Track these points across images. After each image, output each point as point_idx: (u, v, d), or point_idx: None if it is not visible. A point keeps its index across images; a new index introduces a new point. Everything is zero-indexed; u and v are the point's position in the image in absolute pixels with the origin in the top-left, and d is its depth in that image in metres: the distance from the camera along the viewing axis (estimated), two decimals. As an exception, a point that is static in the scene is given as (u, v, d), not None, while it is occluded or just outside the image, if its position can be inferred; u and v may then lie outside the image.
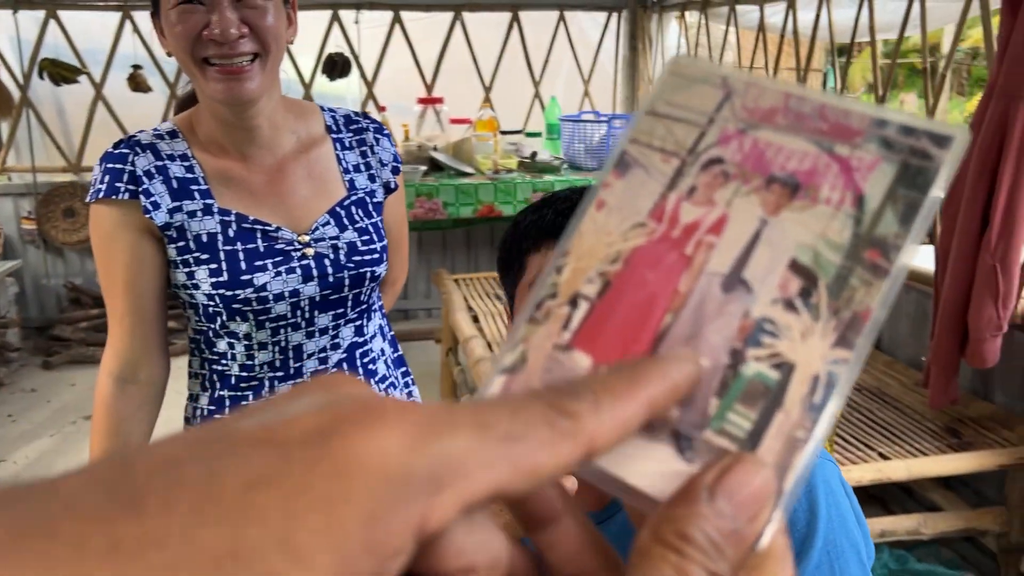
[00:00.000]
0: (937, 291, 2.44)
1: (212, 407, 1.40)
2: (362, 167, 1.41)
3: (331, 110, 1.45)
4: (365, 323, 1.42)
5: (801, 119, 0.30)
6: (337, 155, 1.40)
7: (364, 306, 1.40)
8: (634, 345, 0.28)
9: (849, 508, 0.80)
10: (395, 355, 1.55)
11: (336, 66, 4.74)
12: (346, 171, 1.39)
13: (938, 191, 0.27)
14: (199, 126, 1.34)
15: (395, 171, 1.46)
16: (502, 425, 0.23)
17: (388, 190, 1.43)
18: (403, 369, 1.57)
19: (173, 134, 1.33)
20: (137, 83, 4.69)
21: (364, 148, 1.42)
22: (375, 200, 1.41)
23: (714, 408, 0.27)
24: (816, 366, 0.26)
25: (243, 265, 1.28)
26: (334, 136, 1.41)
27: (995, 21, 2.46)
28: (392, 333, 1.57)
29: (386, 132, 1.48)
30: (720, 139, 0.31)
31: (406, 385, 1.58)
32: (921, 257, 3.02)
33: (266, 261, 1.29)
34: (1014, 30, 2.16)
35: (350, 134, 1.42)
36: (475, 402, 0.24)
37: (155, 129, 1.35)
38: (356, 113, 1.48)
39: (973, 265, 2.24)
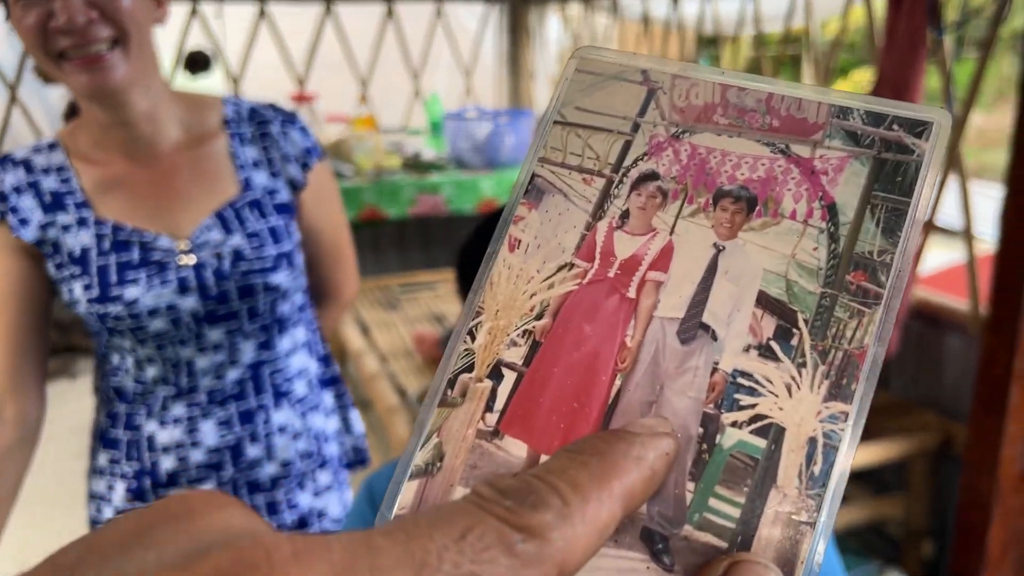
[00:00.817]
0: None
1: (109, 420, 1.31)
2: (263, 163, 1.31)
3: (236, 102, 1.35)
4: (275, 338, 1.33)
5: (745, 115, 0.25)
6: (232, 150, 1.30)
7: (269, 320, 1.31)
8: (580, 422, 0.23)
9: (836, 558, 0.77)
10: (326, 374, 1.46)
11: (198, 63, 4.50)
12: (241, 167, 1.29)
13: (926, 190, 0.22)
14: (81, 133, 1.24)
15: (306, 166, 1.36)
16: (447, 559, 0.16)
17: (295, 187, 1.34)
18: (335, 389, 1.48)
19: (53, 146, 1.23)
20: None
21: (267, 143, 1.33)
22: (277, 201, 1.31)
23: (691, 495, 0.21)
24: (810, 426, 0.21)
25: (114, 279, 1.19)
26: (232, 130, 1.31)
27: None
28: (327, 351, 1.47)
29: (299, 123, 1.38)
30: (651, 149, 0.25)
31: (340, 408, 1.49)
32: None
33: (140, 273, 1.20)
34: (898, 23, 2.23)
35: (252, 127, 1.33)
36: (403, 525, 0.18)
37: (36, 143, 1.25)
38: (266, 105, 1.38)
39: None
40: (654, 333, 0.23)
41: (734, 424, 0.22)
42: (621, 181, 0.25)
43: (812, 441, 0.21)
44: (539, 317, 0.24)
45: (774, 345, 0.22)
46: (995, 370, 1.82)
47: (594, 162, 0.25)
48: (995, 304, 1.82)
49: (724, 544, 0.21)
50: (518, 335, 0.24)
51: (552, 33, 5.17)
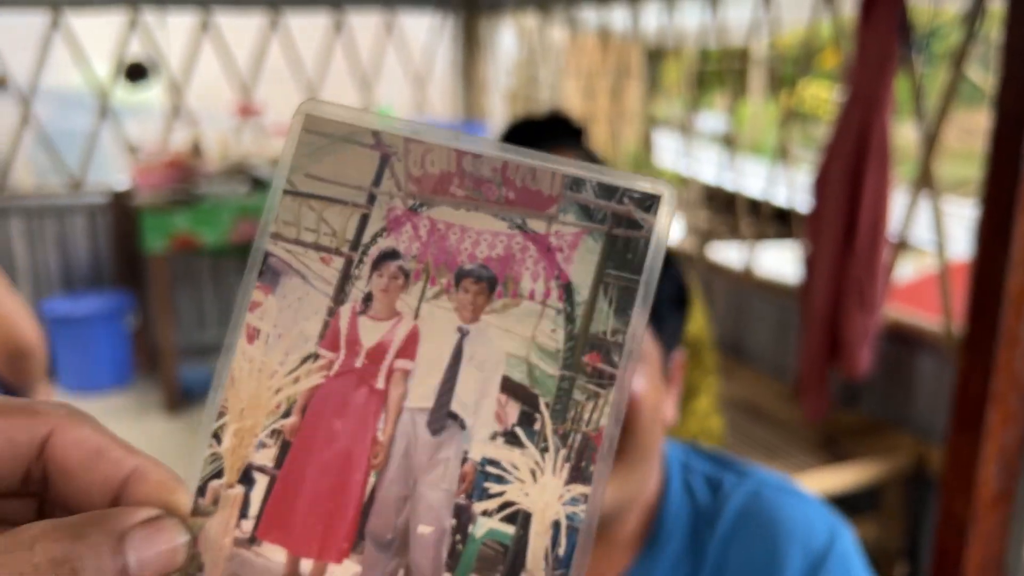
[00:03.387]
0: (805, 302, 2.46)
1: None
2: None
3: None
4: None
5: (482, 186, 0.25)
6: None
7: None
8: (337, 522, 0.23)
9: None
10: None
11: (137, 72, 3.93)
12: None
13: (650, 270, 0.24)
14: None
15: None
16: None
17: None
18: None
19: None
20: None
21: None
22: None
23: (448, 586, 0.23)
24: (554, 510, 0.23)
25: None
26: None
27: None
28: None
29: None
30: (389, 223, 0.25)
31: None
32: (781, 266, 3.04)
33: None
34: (868, 37, 2.16)
35: None
36: None
37: None
38: None
39: (839, 274, 2.29)
40: (405, 426, 0.24)
41: (485, 513, 0.23)
42: (361, 260, 0.25)
43: (556, 524, 0.23)
44: (287, 414, 0.24)
45: (519, 431, 0.24)
46: (971, 390, 1.80)
47: (331, 238, 0.25)
48: (971, 323, 1.78)
49: (481, 631, 0.23)
50: (267, 435, 0.24)
51: (506, 44, 4.85)
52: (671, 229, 0.24)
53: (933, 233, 2.27)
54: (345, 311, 0.25)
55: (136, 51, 4.05)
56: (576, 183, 0.24)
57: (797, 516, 0.80)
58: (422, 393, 0.24)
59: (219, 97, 4.27)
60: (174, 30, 4.13)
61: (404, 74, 4.83)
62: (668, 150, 4.23)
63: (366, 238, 0.25)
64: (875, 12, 2.17)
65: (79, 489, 0.24)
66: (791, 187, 2.93)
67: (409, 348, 0.24)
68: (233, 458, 0.24)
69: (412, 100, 4.86)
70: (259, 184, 3.87)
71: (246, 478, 0.24)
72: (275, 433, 0.24)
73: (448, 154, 0.25)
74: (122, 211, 3.92)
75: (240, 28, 4.26)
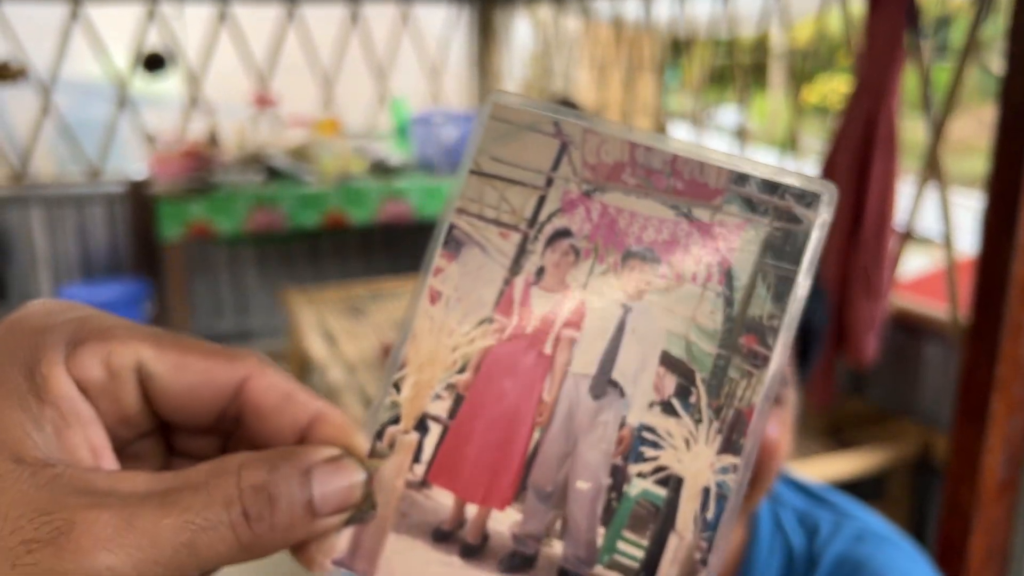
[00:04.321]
0: None
1: None
2: None
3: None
4: None
5: (652, 176, 0.27)
6: None
7: None
8: (502, 473, 0.26)
9: None
10: None
11: (155, 63, 4.19)
12: None
13: (809, 261, 0.26)
14: None
15: None
16: None
17: None
18: None
19: None
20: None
21: None
22: None
23: (601, 538, 0.25)
24: (705, 477, 0.25)
25: None
26: None
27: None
28: None
29: None
30: (564, 205, 0.27)
31: None
32: None
33: None
34: (876, 26, 2.18)
35: None
36: None
37: None
38: None
39: (845, 263, 2.29)
40: (568, 389, 0.26)
41: (639, 475, 0.25)
42: (536, 237, 0.27)
43: (706, 490, 0.25)
44: (461, 371, 0.27)
45: (675, 402, 0.26)
46: (976, 378, 1.81)
47: (510, 216, 0.28)
48: (976, 312, 1.80)
49: (630, 582, 0.25)
50: (442, 388, 0.27)
51: (521, 35, 5.00)
52: (827, 223, 0.26)
53: (941, 223, 2.24)
54: (519, 282, 0.27)
55: (154, 41, 4.16)
56: (741, 178, 0.27)
57: (902, 571, 0.78)
58: (586, 361, 0.26)
59: (236, 87, 4.36)
60: (191, 21, 4.24)
61: (419, 65, 4.89)
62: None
63: (542, 217, 0.28)
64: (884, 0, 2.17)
65: (270, 429, 0.27)
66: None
67: (576, 319, 0.27)
68: (411, 407, 0.27)
69: (427, 91, 4.93)
70: (275, 174, 3.95)
71: (421, 426, 0.27)
72: (450, 387, 0.27)
73: (622, 145, 0.27)
74: (139, 200, 4.02)
75: (257, 19, 4.37)
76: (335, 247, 4.80)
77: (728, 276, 0.26)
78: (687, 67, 3.63)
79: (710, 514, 0.25)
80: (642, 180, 0.27)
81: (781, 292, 0.26)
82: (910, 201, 2.34)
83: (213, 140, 4.06)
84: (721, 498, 0.25)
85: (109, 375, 0.26)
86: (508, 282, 0.27)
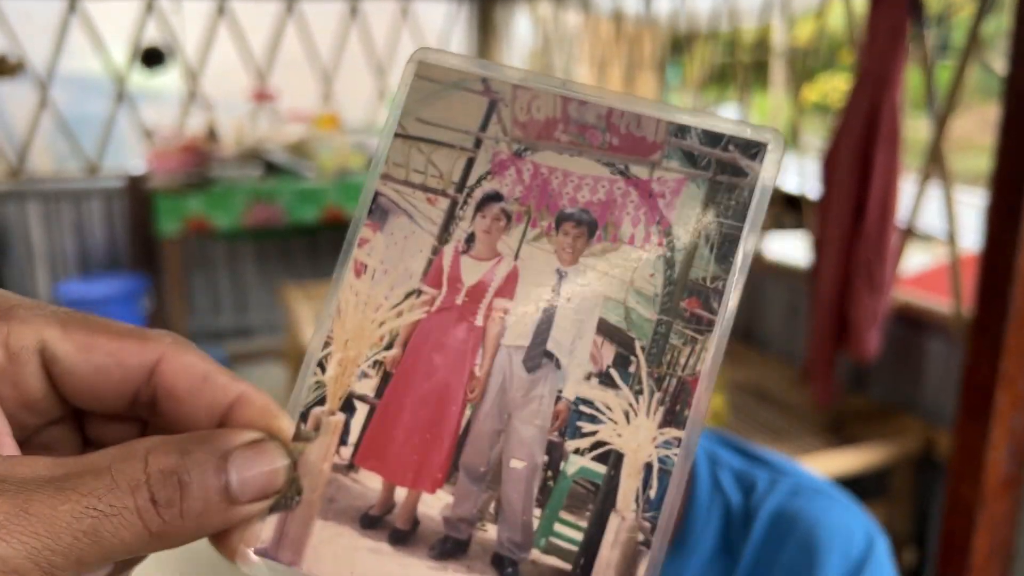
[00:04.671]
0: (813, 284, 2.40)
1: None
2: None
3: None
4: None
5: (586, 132, 0.25)
6: None
7: None
8: (433, 453, 0.24)
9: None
10: None
11: (153, 57, 4.24)
12: None
13: (754, 217, 0.24)
14: None
15: None
16: None
17: None
18: None
19: None
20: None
21: None
22: None
23: (538, 520, 0.23)
24: (647, 452, 0.23)
25: None
26: None
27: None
28: None
29: None
30: (494, 167, 0.26)
31: None
32: (790, 248, 2.99)
33: None
34: (879, 17, 2.15)
35: None
36: None
37: None
38: None
39: (848, 256, 2.26)
40: (501, 362, 0.25)
41: (577, 451, 0.24)
42: (465, 202, 0.26)
43: (648, 467, 0.23)
44: (389, 347, 0.25)
45: (613, 373, 0.24)
46: (980, 374, 1.80)
47: (437, 180, 0.26)
48: (980, 307, 1.79)
49: (568, 566, 0.23)
50: (369, 366, 0.25)
51: (521, 30, 4.97)
52: (777, 176, 0.24)
53: (944, 218, 2.21)
54: (448, 250, 0.26)
55: (152, 36, 4.17)
56: (681, 130, 0.25)
57: (836, 522, 0.79)
58: (519, 332, 0.25)
59: (234, 82, 4.36)
60: (190, 15, 4.24)
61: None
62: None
63: (471, 180, 0.26)
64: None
65: (186, 413, 0.26)
66: (802, 176, 2.89)
67: (508, 288, 0.25)
68: (336, 386, 0.25)
69: None
70: (273, 169, 3.95)
71: (347, 406, 0.25)
72: (377, 364, 0.25)
73: (554, 101, 0.26)
74: (137, 195, 4.03)
75: (256, 13, 4.36)
76: (334, 242, 4.78)
77: (668, 236, 0.25)
78: (688, 64, 3.59)
79: (653, 492, 0.23)
80: (576, 137, 0.25)
81: (726, 252, 0.24)
82: (911, 198, 2.31)
83: (211, 135, 4.08)
84: (664, 474, 0.23)
85: (8, 357, 0.25)
86: (437, 251, 0.26)
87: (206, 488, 0.24)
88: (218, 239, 4.39)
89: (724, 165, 0.24)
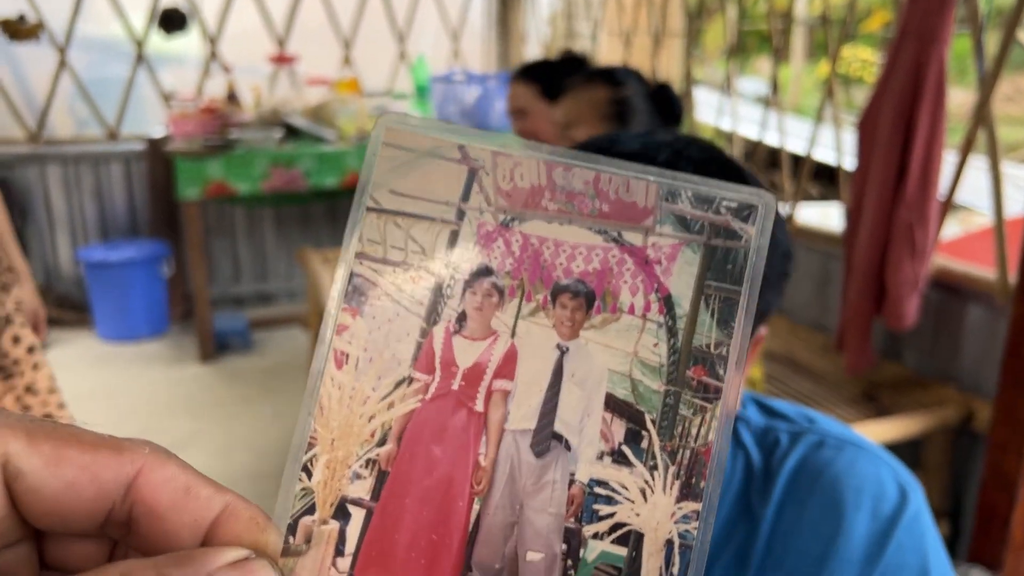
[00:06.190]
0: (849, 251, 2.33)
1: None
2: None
3: None
4: None
5: (574, 199, 0.24)
6: None
7: None
8: (442, 555, 0.23)
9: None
10: None
11: (173, 21, 3.97)
12: None
13: (751, 280, 0.24)
14: None
15: None
16: None
17: None
18: None
19: None
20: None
21: None
22: None
23: (562, 614, 0.22)
24: (666, 529, 0.23)
25: None
26: None
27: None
28: None
29: None
30: (480, 239, 0.24)
31: None
32: (823, 216, 2.98)
33: None
34: None
35: None
36: None
37: None
38: None
39: (888, 221, 2.19)
40: (507, 449, 0.23)
41: (595, 535, 0.23)
42: (452, 278, 0.24)
43: (669, 543, 0.23)
44: (382, 443, 0.23)
45: (626, 450, 0.23)
46: None
47: (420, 257, 0.24)
48: None
49: (599, 659, 0.22)
50: (361, 466, 0.23)
51: None
52: (766, 235, 0.24)
53: (991, 181, 2.17)
54: (439, 331, 0.24)
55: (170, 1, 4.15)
56: (671, 194, 0.25)
57: (864, 474, 0.72)
58: (523, 414, 0.24)
59: (254, 46, 4.36)
60: None
61: (440, 25, 4.91)
62: (709, 106, 4.24)
63: (456, 255, 0.24)
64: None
65: (167, 531, 0.23)
66: (835, 148, 2.88)
67: (507, 368, 0.24)
68: (326, 492, 0.23)
69: (448, 52, 4.96)
70: (293, 132, 3.94)
71: (341, 513, 0.23)
72: (370, 463, 0.23)
73: (538, 167, 0.25)
74: (157, 159, 3.98)
75: None
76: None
77: (668, 304, 0.24)
78: (711, 33, 3.63)
79: (676, 569, 0.23)
80: (564, 204, 0.25)
81: (726, 316, 0.24)
82: (952, 166, 2.21)
83: (231, 98, 3.98)
84: (685, 549, 0.23)
85: None
86: (425, 333, 0.24)
87: None
88: (237, 204, 4.30)
89: (718, 228, 0.24)
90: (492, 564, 0.23)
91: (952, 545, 2.35)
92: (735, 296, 0.24)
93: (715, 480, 0.23)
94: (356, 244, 0.24)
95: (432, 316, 0.24)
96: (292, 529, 0.23)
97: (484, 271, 0.24)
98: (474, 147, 0.25)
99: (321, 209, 4.77)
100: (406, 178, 0.25)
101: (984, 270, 2.27)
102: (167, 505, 0.22)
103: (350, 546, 0.23)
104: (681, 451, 0.23)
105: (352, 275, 0.24)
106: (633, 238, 0.25)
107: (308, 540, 0.23)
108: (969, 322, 2.34)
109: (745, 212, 0.24)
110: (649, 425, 0.24)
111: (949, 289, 2.36)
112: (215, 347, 3.80)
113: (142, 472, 0.22)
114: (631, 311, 0.24)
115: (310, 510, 0.23)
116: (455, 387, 0.24)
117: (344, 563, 0.23)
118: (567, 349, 0.24)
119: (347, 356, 0.24)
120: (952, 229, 3.05)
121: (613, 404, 0.24)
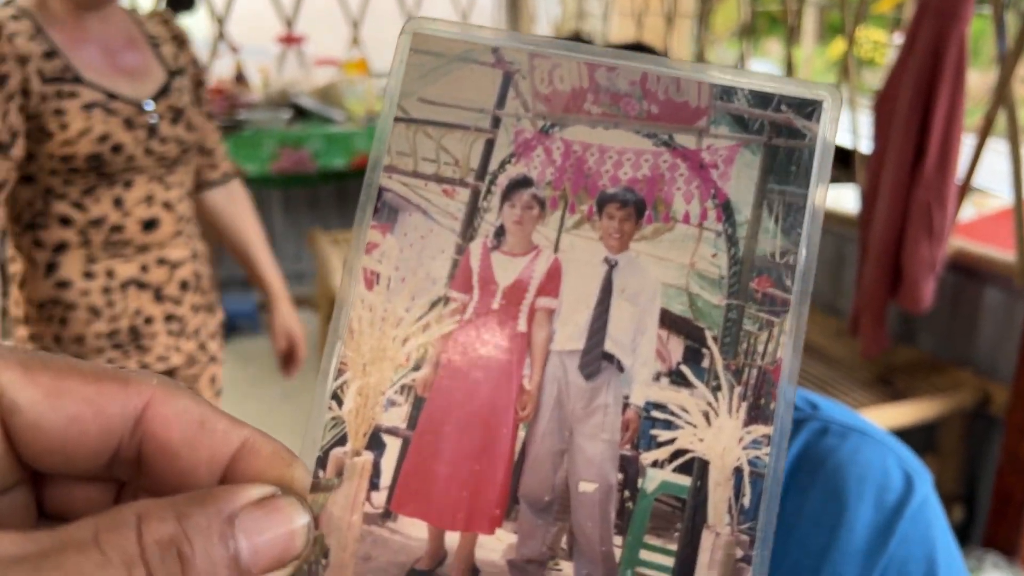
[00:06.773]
0: (864, 233, 2.30)
1: None
2: None
3: None
4: None
5: (620, 101, 0.23)
6: None
7: None
8: (485, 486, 0.21)
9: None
10: None
11: (181, 1, 4.11)
12: None
13: (818, 181, 0.22)
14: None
15: None
16: None
17: None
18: None
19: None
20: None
21: None
22: None
23: (619, 550, 0.20)
24: (734, 455, 0.21)
25: None
26: None
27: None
28: None
29: None
30: (518, 148, 0.23)
31: None
32: (837, 198, 2.89)
33: None
34: None
35: None
36: None
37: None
38: None
39: (906, 202, 2.17)
40: (554, 371, 0.21)
41: (655, 464, 0.21)
42: (489, 190, 0.22)
43: (738, 472, 0.21)
44: (417, 367, 0.21)
45: (685, 369, 0.21)
46: None
47: (453, 168, 0.22)
48: None
49: (662, 598, 0.20)
50: (396, 392, 0.21)
51: None
52: (834, 134, 0.22)
53: (1009, 166, 2.10)
54: (475, 247, 0.22)
55: None
56: (726, 92, 0.22)
57: (867, 462, 0.69)
58: (570, 333, 0.22)
59: (262, 27, 4.37)
60: None
61: (449, 4, 4.94)
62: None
63: (493, 165, 0.23)
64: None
65: (182, 469, 0.21)
66: (850, 130, 2.81)
67: (551, 284, 0.22)
68: (358, 421, 0.21)
69: None
70: (301, 113, 3.95)
71: (375, 443, 0.21)
72: (405, 389, 0.21)
73: (579, 68, 0.23)
74: None
75: None
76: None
77: (727, 210, 0.22)
78: (722, 13, 3.61)
79: (747, 500, 0.21)
80: (608, 107, 0.23)
81: (792, 222, 0.22)
82: (970, 148, 2.16)
83: (239, 79, 4.00)
84: (757, 478, 0.21)
85: None
86: (462, 250, 0.22)
87: (212, 560, 0.19)
88: (246, 185, 4.39)
89: (779, 127, 0.22)
90: (541, 496, 0.21)
91: (967, 530, 2.34)
92: (800, 200, 0.22)
93: (786, 401, 0.21)
94: (384, 156, 0.23)
95: (468, 231, 0.22)
96: (322, 462, 0.21)
97: (523, 182, 0.23)
98: (509, 49, 0.23)
99: (330, 191, 4.77)
100: (436, 85, 0.23)
101: (1002, 252, 2.23)
102: (180, 440, 0.21)
103: (386, 479, 0.21)
104: (747, 370, 0.21)
105: (381, 190, 0.22)
106: (686, 141, 0.23)
107: (340, 473, 0.21)
108: (986, 305, 2.32)
109: (809, 109, 0.22)
110: (710, 342, 0.22)
111: (966, 271, 2.33)
112: (226, 327, 3.85)
113: (151, 405, 0.21)
114: (686, 220, 0.22)
115: (341, 441, 0.21)
116: (495, 306, 0.22)
117: (379, 497, 0.21)
118: (616, 263, 0.22)
119: (377, 276, 0.22)
120: (967, 211, 3.03)
121: (669, 321, 0.22)
